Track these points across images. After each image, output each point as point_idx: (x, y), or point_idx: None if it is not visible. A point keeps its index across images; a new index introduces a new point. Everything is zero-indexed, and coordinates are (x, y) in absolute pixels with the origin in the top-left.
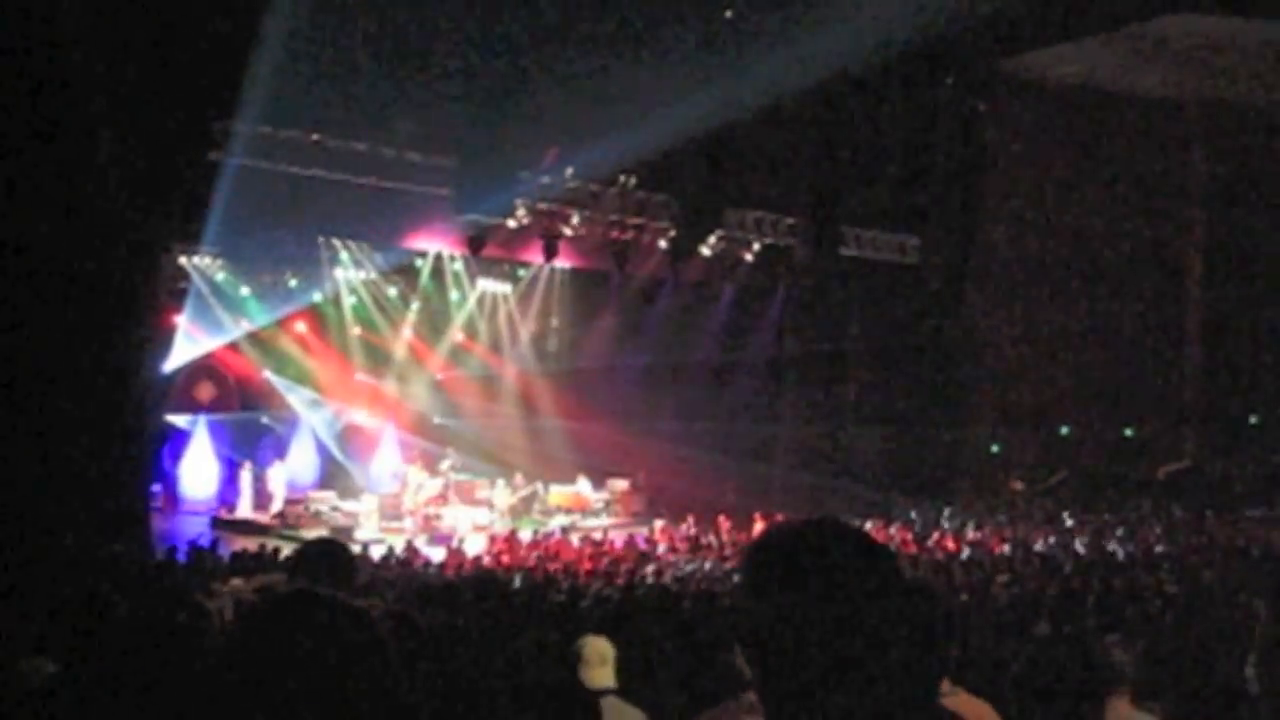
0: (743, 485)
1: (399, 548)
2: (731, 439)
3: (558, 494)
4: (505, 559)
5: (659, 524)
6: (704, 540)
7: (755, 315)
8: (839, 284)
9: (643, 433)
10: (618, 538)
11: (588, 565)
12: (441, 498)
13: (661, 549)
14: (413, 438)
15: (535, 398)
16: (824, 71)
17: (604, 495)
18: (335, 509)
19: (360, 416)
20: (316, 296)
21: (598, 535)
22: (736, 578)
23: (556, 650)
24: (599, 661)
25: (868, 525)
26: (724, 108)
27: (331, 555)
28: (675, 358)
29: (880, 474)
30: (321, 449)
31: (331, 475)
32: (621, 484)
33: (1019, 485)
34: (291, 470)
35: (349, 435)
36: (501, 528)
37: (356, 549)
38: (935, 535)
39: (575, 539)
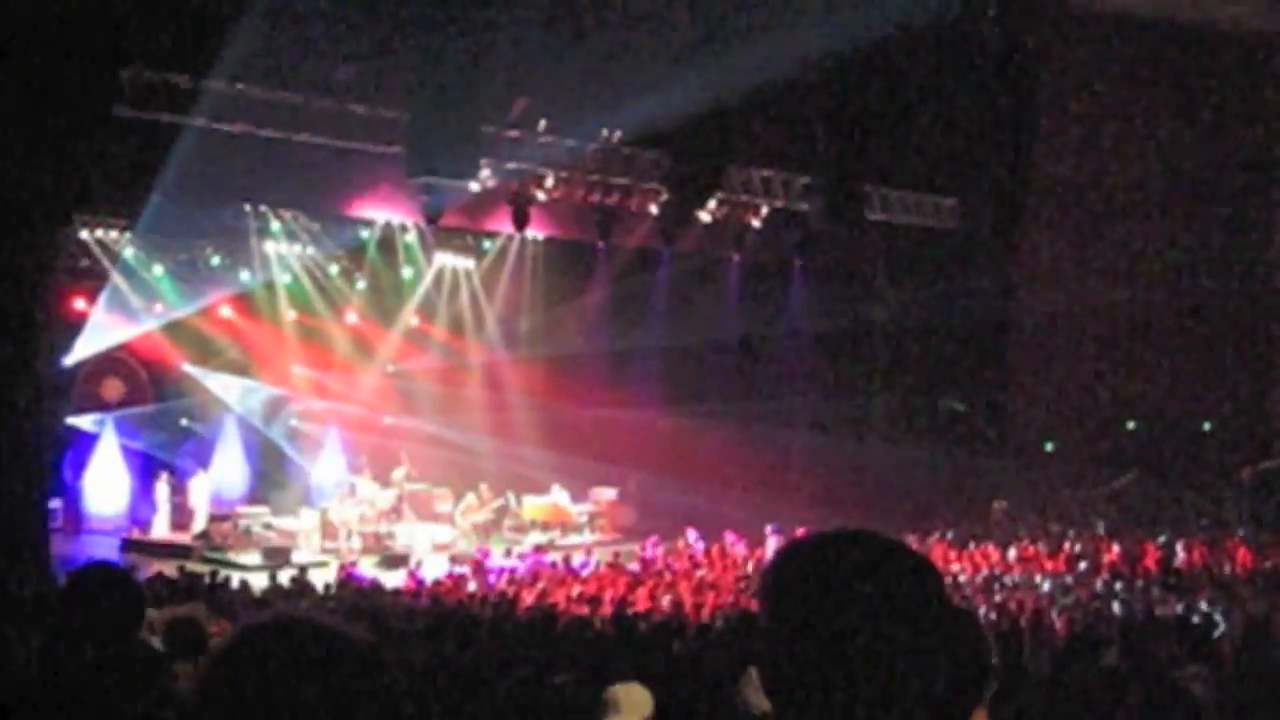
0: (752, 493)
1: (343, 570)
2: (738, 439)
3: (532, 506)
4: (471, 585)
5: (652, 540)
6: (708, 560)
7: (764, 293)
8: (863, 254)
9: (633, 432)
10: (604, 558)
11: (565, 592)
12: (394, 512)
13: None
14: (360, 441)
15: (505, 392)
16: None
17: (587, 507)
18: (269, 526)
19: (298, 416)
20: (244, 276)
21: (579, 555)
22: (755, 598)
23: (530, 698)
24: (633, 712)
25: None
26: (726, 47)
27: (111, 589)
28: (670, 343)
29: (915, 477)
30: (252, 455)
31: (264, 487)
32: (608, 493)
33: (1001, 505)
34: (217, 481)
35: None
36: (466, 547)
37: (291, 574)
38: (979, 548)
39: (553, 560)
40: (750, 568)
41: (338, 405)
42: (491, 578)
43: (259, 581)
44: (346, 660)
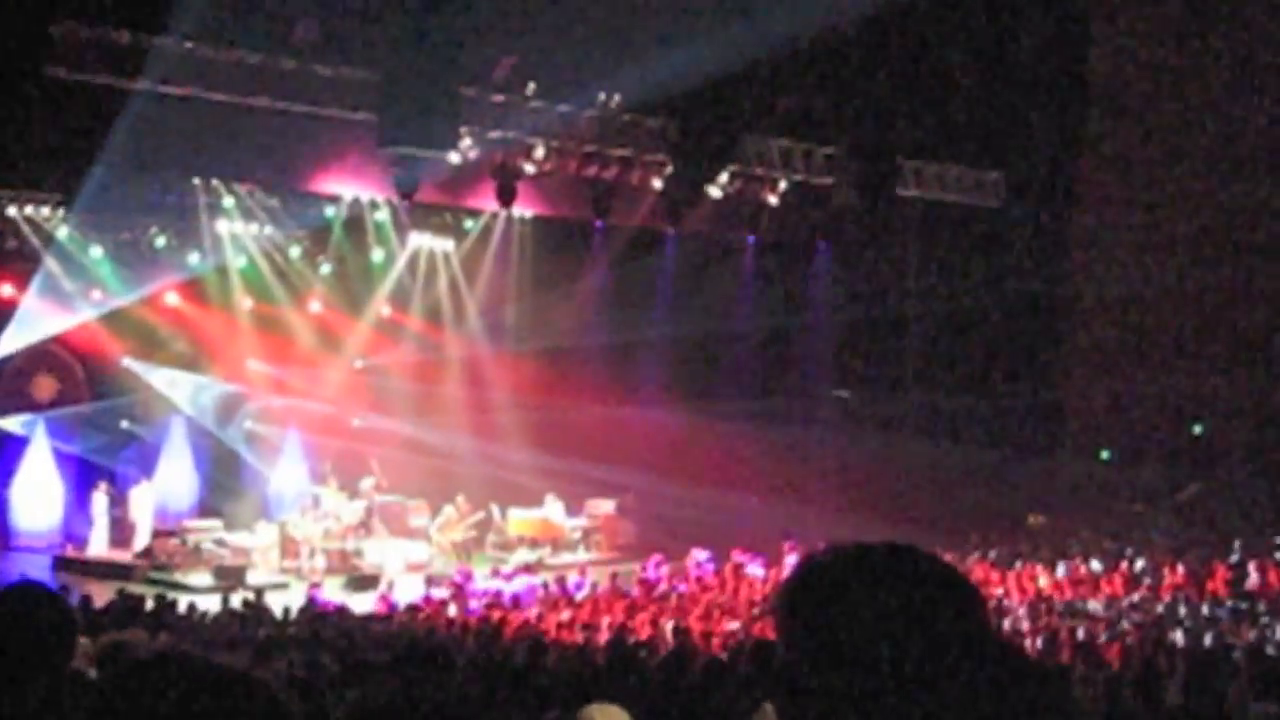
0: (769, 503)
1: (304, 594)
2: (754, 443)
3: (520, 520)
4: (450, 610)
5: (655, 560)
6: (719, 581)
7: (782, 278)
8: (895, 234)
9: (634, 436)
10: (601, 579)
11: (555, 619)
12: (363, 527)
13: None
14: (324, 446)
15: (489, 390)
16: None
17: (581, 522)
18: (221, 543)
19: (254, 417)
20: (193, 259)
21: (573, 576)
22: (771, 623)
23: None
24: None
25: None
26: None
27: (39, 613)
28: (677, 336)
29: (952, 485)
30: (202, 461)
31: (216, 498)
32: (605, 506)
33: (1038, 520)
34: (162, 491)
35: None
36: (444, 567)
37: (246, 597)
38: (1024, 567)
39: (543, 581)
40: (766, 589)
41: (299, 404)
42: (473, 602)
43: (210, 605)
44: (230, 704)
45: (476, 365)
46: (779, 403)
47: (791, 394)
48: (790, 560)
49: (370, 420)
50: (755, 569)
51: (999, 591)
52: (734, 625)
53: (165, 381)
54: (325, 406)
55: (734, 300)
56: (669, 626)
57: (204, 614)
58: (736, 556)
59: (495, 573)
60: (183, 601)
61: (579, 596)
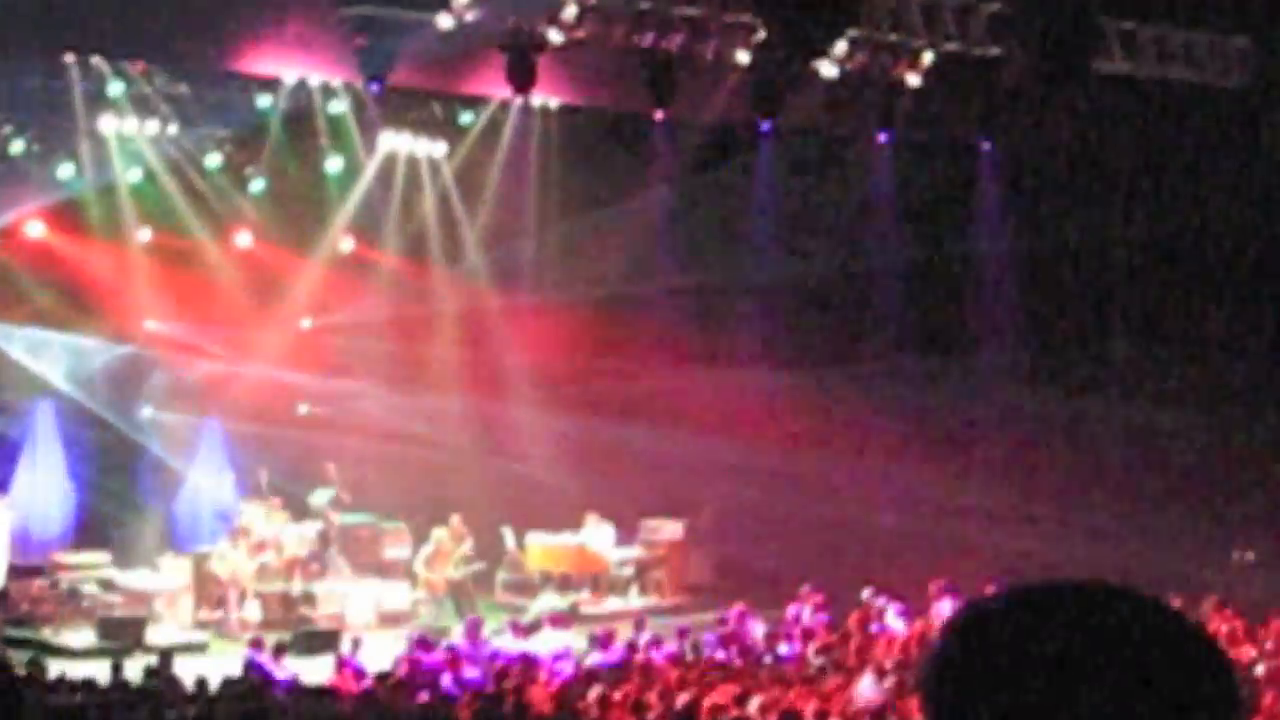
0: (914, 518)
1: (235, 664)
2: (898, 423)
3: (544, 549)
4: (444, 681)
5: (738, 611)
6: (839, 638)
7: (932, 193)
8: (1091, 126)
9: (712, 421)
10: (663, 635)
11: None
12: (315, 561)
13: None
14: (258, 441)
15: (497, 357)
16: None
17: (634, 553)
18: (110, 585)
19: (159, 398)
20: (65, 172)
21: (623, 631)
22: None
23: None
24: None
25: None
26: None
27: None
28: (774, 276)
29: (1174, 469)
30: (81, 465)
31: (103, 519)
32: (669, 529)
33: (1246, 555)
34: (23, 510)
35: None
36: (435, 617)
37: (147, 663)
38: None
39: (578, 642)
40: (909, 649)
41: (223, 379)
42: (473, 671)
43: (93, 674)
44: None
45: (479, 322)
46: (935, 364)
47: (954, 350)
48: (943, 609)
49: (323, 406)
50: (894, 619)
51: (1251, 655)
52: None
53: (26, 348)
54: (261, 381)
55: (862, 222)
56: (755, 706)
57: (82, 688)
58: (870, 599)
59: (514, 627)
60: (53, 669)
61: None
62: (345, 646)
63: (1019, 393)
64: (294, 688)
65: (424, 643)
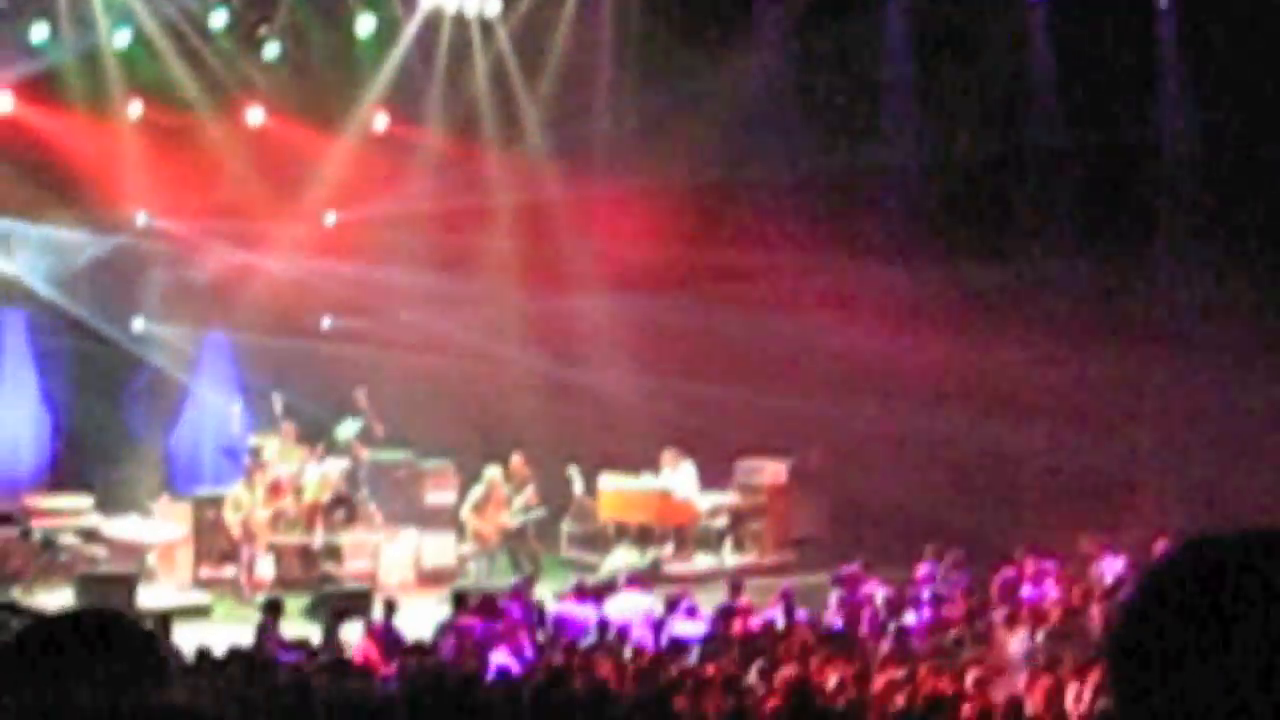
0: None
1: (244, 633)
2: (1041, 344)
3: (618, 494)
4: (497, 658)
5: (852, 570)
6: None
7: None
8: None
9: (831, 337)
10: (762, 600)
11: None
12: (340, 506)
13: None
14: (273, 359)
15: (565, 256)
16: None
17: (726, 498)
18: (93, 535)
19: (150, 310)
20: (38, 34)
21: (714, 594)
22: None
23: None
24: None
25: None
26: None
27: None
28: (913, 155)
29: None
30: (57, 391)
31: (84, 456)
32: (771, 469)
33: None
34: None
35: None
36: (485, 576)
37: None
38: None
39: (655, 605)
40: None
41: (234, 276)
42: (526, 646)
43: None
44: None
45: (541, 215)
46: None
47: (1126, 246)
48: (1113, 566)
49: (354, 317)
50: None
51: None
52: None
53: None
54: (277, 287)
55: (1015, 100)
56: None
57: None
58: (1020, 557)
59: (578, 592)
60: None
61: (724, 633)
62: (377, 611)
63: (1207, 297)
64: (298, 660)
65: (488, 604)
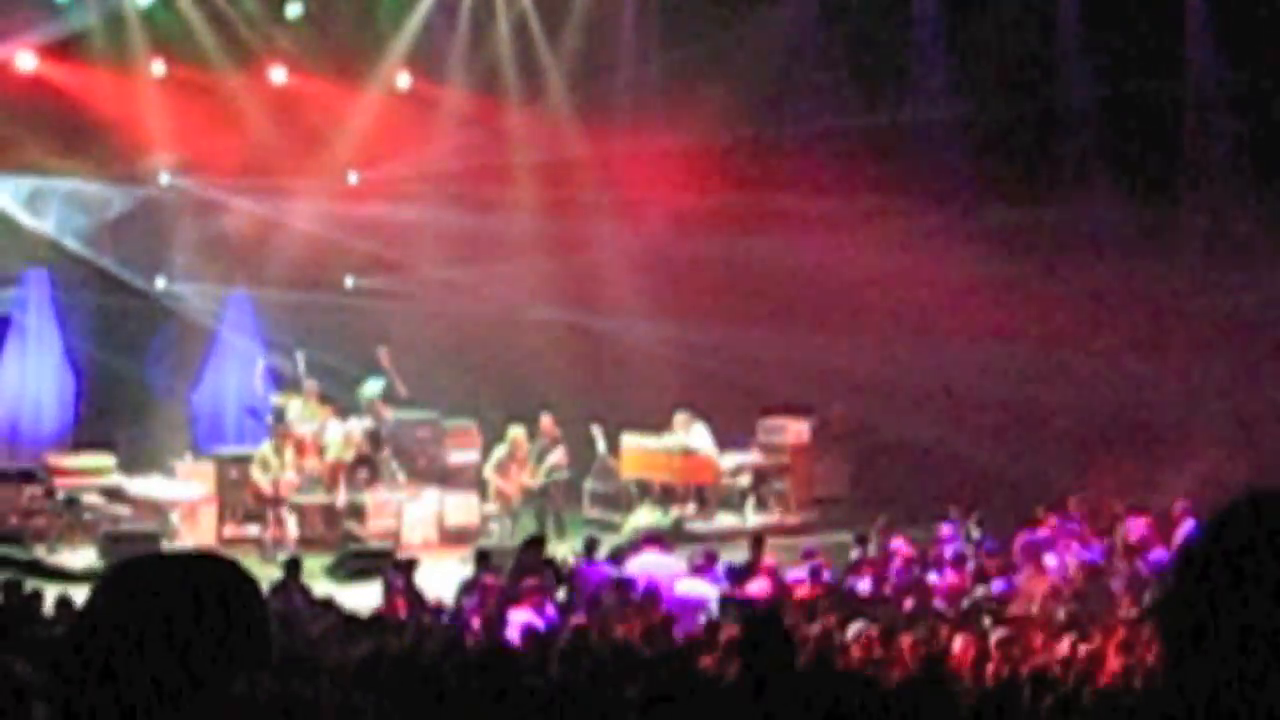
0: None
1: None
2: (1080, 297)
3: (641, 453)
4: (518, 620)
5: (878, 527)
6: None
7: None
8: None
9: (840, 298)
10: (786, 562)
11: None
12: (363, 466)
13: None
14: (293, 318)
15: (584, 217)
16: None
17: (750, 458)
18: (117, 494)
19: (173, 267)
20: None
21: (736, 553)
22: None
23: None
24: None
25: None
26: None
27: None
28: (941, 117)
29: None
30: (79, 347)
31: (107, 414)
32: (794, 428)
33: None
34: (11, 403)
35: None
36: (506, 535)
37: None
38: None
39: (675, 567)
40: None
41: (257, 235)
42: (553, 610)
43: None
44: None
45: (565, 173)
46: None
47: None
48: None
49: (376, 275)
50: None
51: None
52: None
53: (16, 199)
54: (300, 245)
55: (1042, 56)
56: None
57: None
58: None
59: (589, 550)
60: (49, 596)
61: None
62: (395, 571)
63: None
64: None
65: (522, 565)
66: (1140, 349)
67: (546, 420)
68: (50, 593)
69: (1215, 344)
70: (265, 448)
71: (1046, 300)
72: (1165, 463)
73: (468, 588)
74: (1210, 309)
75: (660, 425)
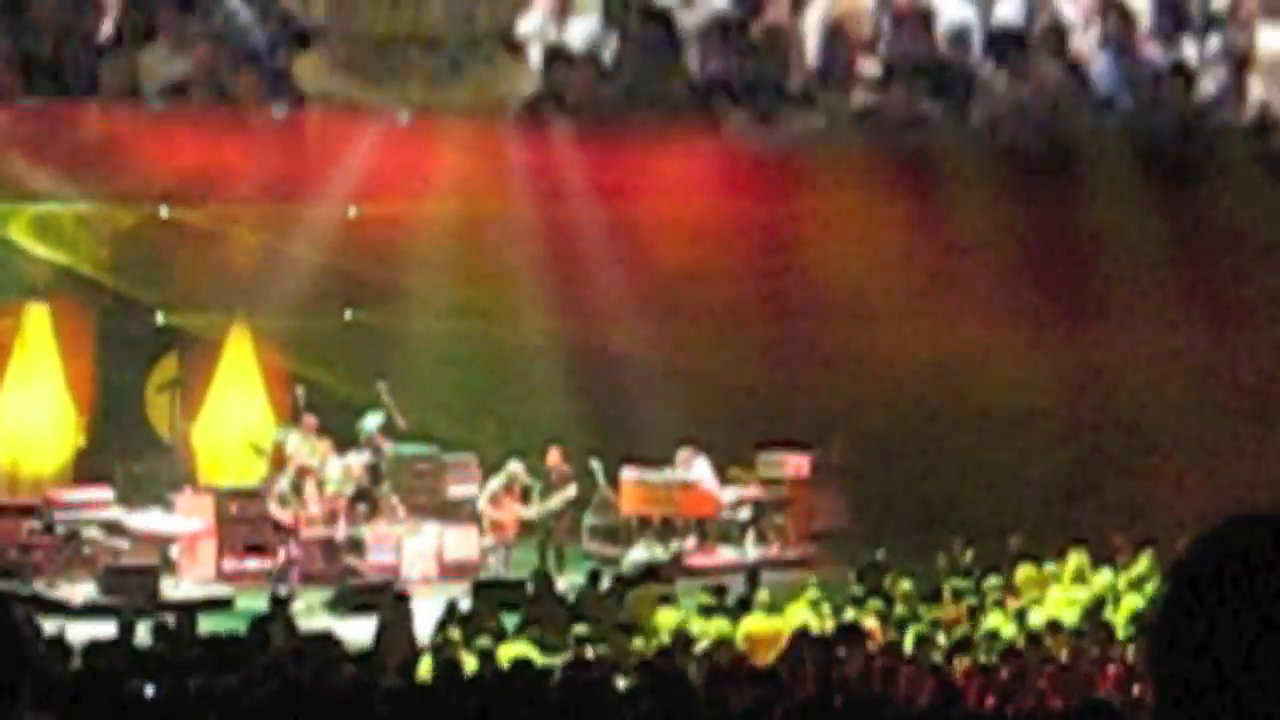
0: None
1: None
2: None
3: (640, 487)
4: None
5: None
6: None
7: None
8: None
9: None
10: (786, 599)
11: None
12: (364, 500)
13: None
14: (293, 352)
15: (583, 234)
16: None
17: (750, 492)
18: (113, 527)
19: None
20: None
21: (726, 584)
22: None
23: None
24: None
25: None
26: None
27: None
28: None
29: None
30: (77, 383)
31: (106, 444)
32: (793, 462)
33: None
34: (13, 436)
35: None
36: (498, 567)
37: (161, 621)
38: None
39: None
40: None
41: (256, 265)
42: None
43: (95, 633)
44: None
45: (565, 172)
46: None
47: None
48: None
49: (364, 311)
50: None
51: None
52: None
53: (18, 228)
54: (299, 276)
55: None
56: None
57: (86, 651)
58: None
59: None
60: (46, 628)
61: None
62: (385, 607)
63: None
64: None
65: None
66: (1131, 387)
67: (554, 455)
68: (49, 627)
69: None
70: (283, 482)
71: (1032, 337)
72: (1154, 504)
73: None
74: None
75: (661, 460)
